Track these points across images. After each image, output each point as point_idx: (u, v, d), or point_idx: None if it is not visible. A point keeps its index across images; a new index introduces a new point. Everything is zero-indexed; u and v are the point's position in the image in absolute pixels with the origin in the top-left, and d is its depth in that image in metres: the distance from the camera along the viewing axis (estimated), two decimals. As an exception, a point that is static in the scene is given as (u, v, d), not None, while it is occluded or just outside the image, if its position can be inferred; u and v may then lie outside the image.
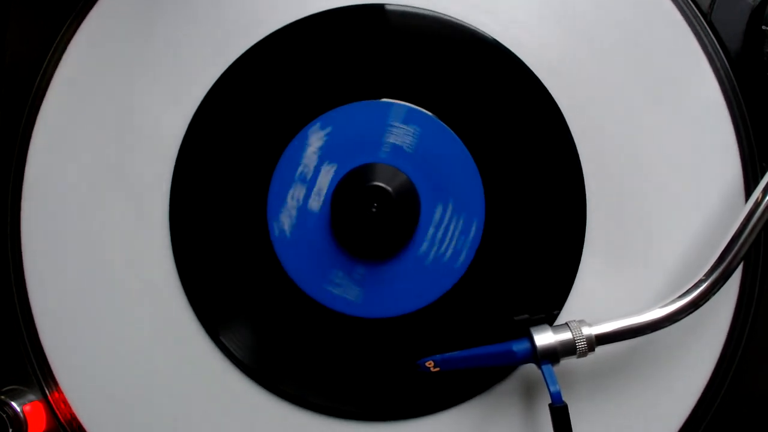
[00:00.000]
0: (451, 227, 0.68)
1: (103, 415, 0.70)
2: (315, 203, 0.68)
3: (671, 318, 0.64)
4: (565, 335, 0.64)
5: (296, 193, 0.68)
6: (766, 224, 0.64)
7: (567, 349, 0.64)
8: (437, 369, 0.65)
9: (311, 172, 0.68)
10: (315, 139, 0.69)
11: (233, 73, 0.70)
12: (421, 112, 0.69)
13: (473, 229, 0.68)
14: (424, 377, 0.68)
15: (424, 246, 0.68)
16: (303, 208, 0.68)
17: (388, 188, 0.65)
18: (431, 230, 0.68)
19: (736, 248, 0.64)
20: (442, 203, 0.68)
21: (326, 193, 0.68)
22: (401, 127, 0.68)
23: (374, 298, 0.68)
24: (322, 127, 0.69)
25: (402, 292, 0.68)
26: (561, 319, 0.68)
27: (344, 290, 0.68)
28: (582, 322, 0.64)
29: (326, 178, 0.68)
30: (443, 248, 0.68)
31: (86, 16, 0.71)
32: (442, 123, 0.69)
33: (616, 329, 0.64)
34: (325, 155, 0.69)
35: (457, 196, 0.68)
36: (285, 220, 0.68)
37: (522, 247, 0.69)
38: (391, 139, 0.68)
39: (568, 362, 0.65)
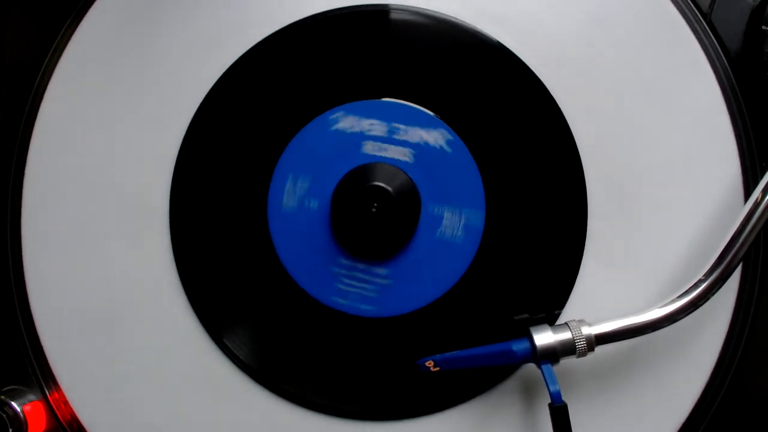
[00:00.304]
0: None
1: (103, 415, 0.70)
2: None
3: (671, 318, 0.64)
4: (565, 335, 0.64)
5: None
6: (766, 224, 0.64)
7: (567, 349, 0.64)
8: (437, 369, 0.65)
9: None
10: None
11: (233, 74, 0.70)
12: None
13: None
14: (424, 377, 0.68)
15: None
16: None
17: (388, 188, 0.65)
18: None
19: (735, 248, 0.64)
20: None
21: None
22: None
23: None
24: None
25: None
26: (561, 319, 0.68)
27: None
28: (582, 322, 0.64)
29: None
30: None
31: (86, 16, 0.71)
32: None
33: (616, 329, 0.64)
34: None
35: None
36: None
37: (522, 247, 0.69)
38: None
39: (567, 362, 0.65)
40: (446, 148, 0.69)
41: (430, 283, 0.68)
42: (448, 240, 0.68)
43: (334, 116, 0.69)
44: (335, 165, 0.68)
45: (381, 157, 0.68)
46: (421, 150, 0.68)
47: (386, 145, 0.69)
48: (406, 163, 0.68)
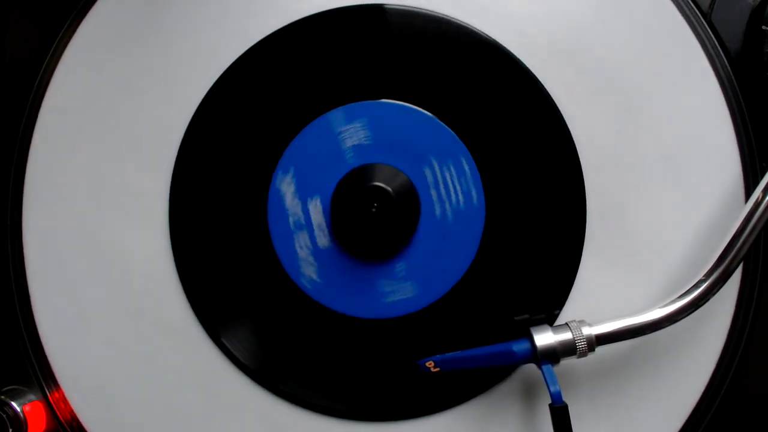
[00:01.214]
0: (447, 177, 0.68)
1: (103, 415, 0.70)
2: (323, 240, 0.69)
3: (671, 318, 0.64)
4: (565, 335, 0.64)
5: (302, 240, 0.69)
6: (766, 224, 0.64)
7: (567, 349, 0.64)
8: (437, 369, 0.65)
9: (302, 215, 0.69)
10: (285, 186, 0.69)
11: (233, 74, 0.70)
12: (358, 104, 0.69)
13: (467, 167, 0.68)
14: (424, 377, 0.68)
15: (437, 209, 0.68)
16: (316, 250, 0.68)
17: (388, 188, 0.65)
18: (433, 192, 0.68)
19: (736, 248, 0.64)
20: (426, 165, 0.68)
21: (327, 226, 0.68)
22: (349, 128, 0.69)
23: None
24: (285, 172, 0.69)
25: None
26: (561, 319, 0.68)
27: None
28: (582, 322, 0.64)
29: (318, 213, 0.69)
30: (453, 200, 0.68)
31: (86, 17, 0.71)
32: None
33: (616, 329, 0.64)
34: (303, 194, 0.69)
35: (436, 151, 0.68)
36: (307, 268, 0.69)
37: (522, 247, 0.69)
38: (349, 143, 0.69)
39: (568, 362, 0.65)
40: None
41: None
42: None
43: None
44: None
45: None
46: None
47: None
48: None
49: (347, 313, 0.68)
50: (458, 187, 0.68)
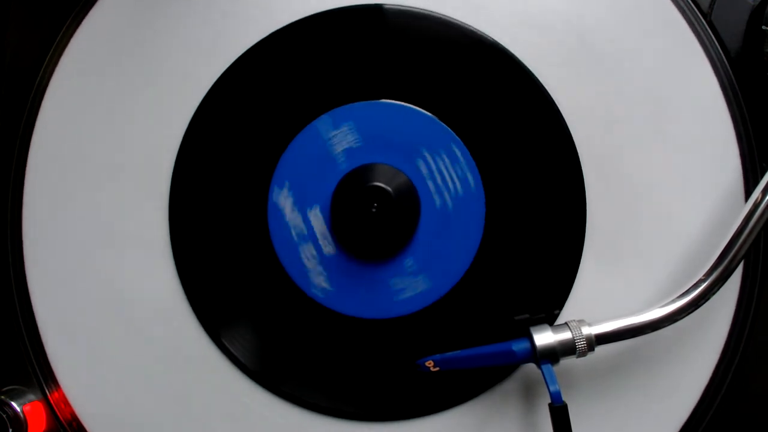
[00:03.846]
0: (441, 165, 0.68)
1: (103, 415, 0.70)
2: (329, 248, 0.69)
3: (671, 318, 0.64)
4: (565, 335, 0.64)
5: (307, 252, 0.69)
6: (766, 224, 0.64)
7: (566, 349, 0.64)
8: (437, 369, 0.65)
9: (303, 226, 0.69)
10: (283, 199, 0.69)
11: (233, 74, 0.70)
12: (344, 108, 0.69)
13: (459, 155, 0.68)
14: (424, 377, 0.68)
15: (437, 200, 0.68)
16: (323, 259, 0.69)
17: (388, 188, 0.65)
18: (430, 183, 0.68)
19: (735, 248, 0.64)
20: (419, 157, 0.68)
21: (330, 234, 0.69)
22: (337, 133, 0.69)
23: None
24: (281, 186, 0.69)
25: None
26: (561, 319, 0.68)
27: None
28: (582, 322, 0.64)
29: (319, 222, 0.69)
30: (450, 187, 0.68)
31: (86, 17, 0.71)
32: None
33: (616, 329, 0.64)
34: (301, 204, 0.69)
35: (427, 144, 0.68)
36: (317, 279, 0.69)
37: (522, 247, 0.69)
38: (339, 148, 0.69)
39: (568, 362, 0.66)
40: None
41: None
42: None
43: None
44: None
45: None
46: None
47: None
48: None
49: (353, 315, 0.68)
50: (455, 176, 0.68)
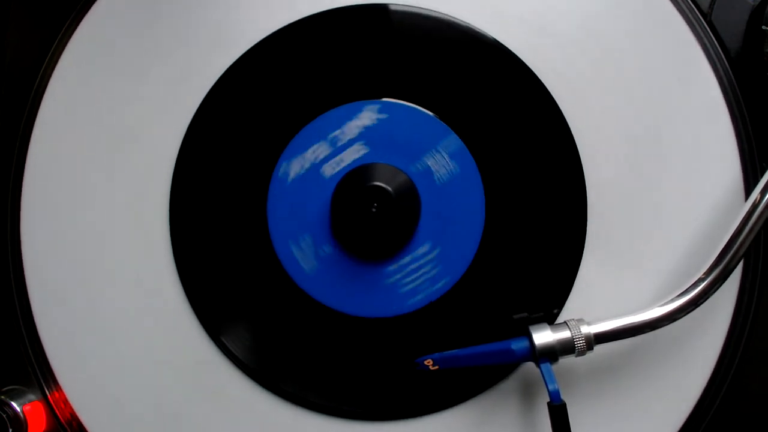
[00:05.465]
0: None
1: (103, 415, 0.70)
2: (330, 169, 0.68)
3: (670, 317, 0.64)
4: (564, 334, 0.64)
5: (319, 150, 0.69)
6: (766, 223, 0.64)
7: (565, 348, 0.64)
8: (436, 367, 0.65)
9: (344, 141, 0.68)
10: (367, 115, 0.69)
11: (233, 74, 0.70)
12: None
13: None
14: (423, 377, 0.68)
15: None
16: (317, 167, 0.68)
17: (388, 188, 0.65)
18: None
19: (735, 247, 0.64)
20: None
21: (345, 167, 0.68)
22: (443, 156, 0.69)
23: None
24: (380, 111, 0.69)
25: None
26: (560, 318, 0.68)
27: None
28: (581, 321, 0.64)
29: (352, 155, 0.69)
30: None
31: (86, 17, 0.71)
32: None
33: (615, 328, 0.64)
34: (365, 135, 0.69)
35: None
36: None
37: (522, 246, 0.69)
38: (430, 162, 0.69)
39: (567, 361, 0.66)
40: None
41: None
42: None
43: (285, 164, 0.69)
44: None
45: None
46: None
47: (339, 156, 0.69)
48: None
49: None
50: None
